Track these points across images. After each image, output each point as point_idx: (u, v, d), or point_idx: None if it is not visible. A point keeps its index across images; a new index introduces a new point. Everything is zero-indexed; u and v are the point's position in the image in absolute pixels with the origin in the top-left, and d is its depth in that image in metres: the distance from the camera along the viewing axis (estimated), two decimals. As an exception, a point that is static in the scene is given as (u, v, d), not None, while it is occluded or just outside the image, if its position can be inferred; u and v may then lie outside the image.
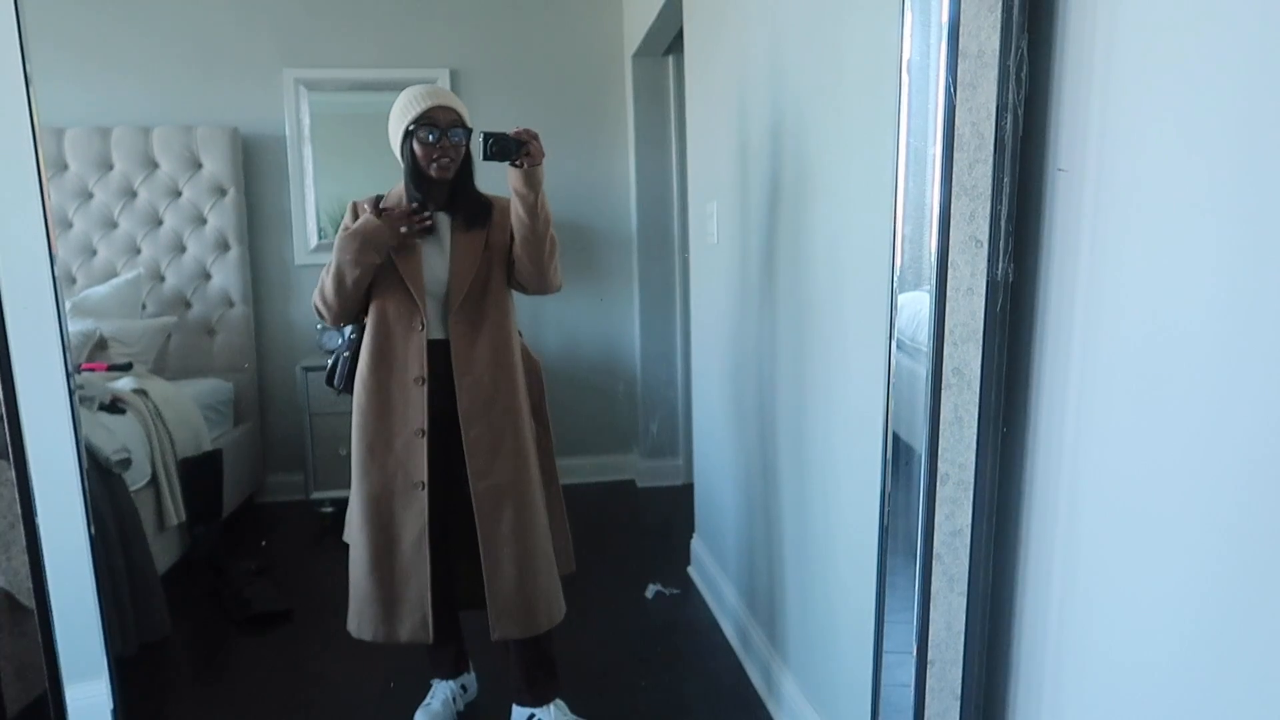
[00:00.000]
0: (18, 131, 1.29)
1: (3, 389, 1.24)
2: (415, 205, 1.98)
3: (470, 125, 2.02)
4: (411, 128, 1.96)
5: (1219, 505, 0.89)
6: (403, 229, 1.96)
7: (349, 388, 2.09)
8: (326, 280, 1.99)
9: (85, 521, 1.41)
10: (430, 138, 1.95)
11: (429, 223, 1.99)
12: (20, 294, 1.27)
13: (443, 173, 1.98)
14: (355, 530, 2.07)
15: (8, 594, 1.82)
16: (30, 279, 1.32)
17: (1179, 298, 0.93)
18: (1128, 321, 1.00)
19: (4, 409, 1.25)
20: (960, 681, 1.25)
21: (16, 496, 1.25)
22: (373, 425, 2.02)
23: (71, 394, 1.36)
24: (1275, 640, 0.83)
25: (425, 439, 1.99)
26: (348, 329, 2.11)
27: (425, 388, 1.99)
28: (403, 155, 2.00)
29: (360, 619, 2.06)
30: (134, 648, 2.50)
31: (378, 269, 2.00)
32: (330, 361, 2.12)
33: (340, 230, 2.03)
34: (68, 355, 1.35)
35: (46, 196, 1.31)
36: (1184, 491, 0.93)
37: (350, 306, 2.02)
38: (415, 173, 2.00)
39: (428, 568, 2.01)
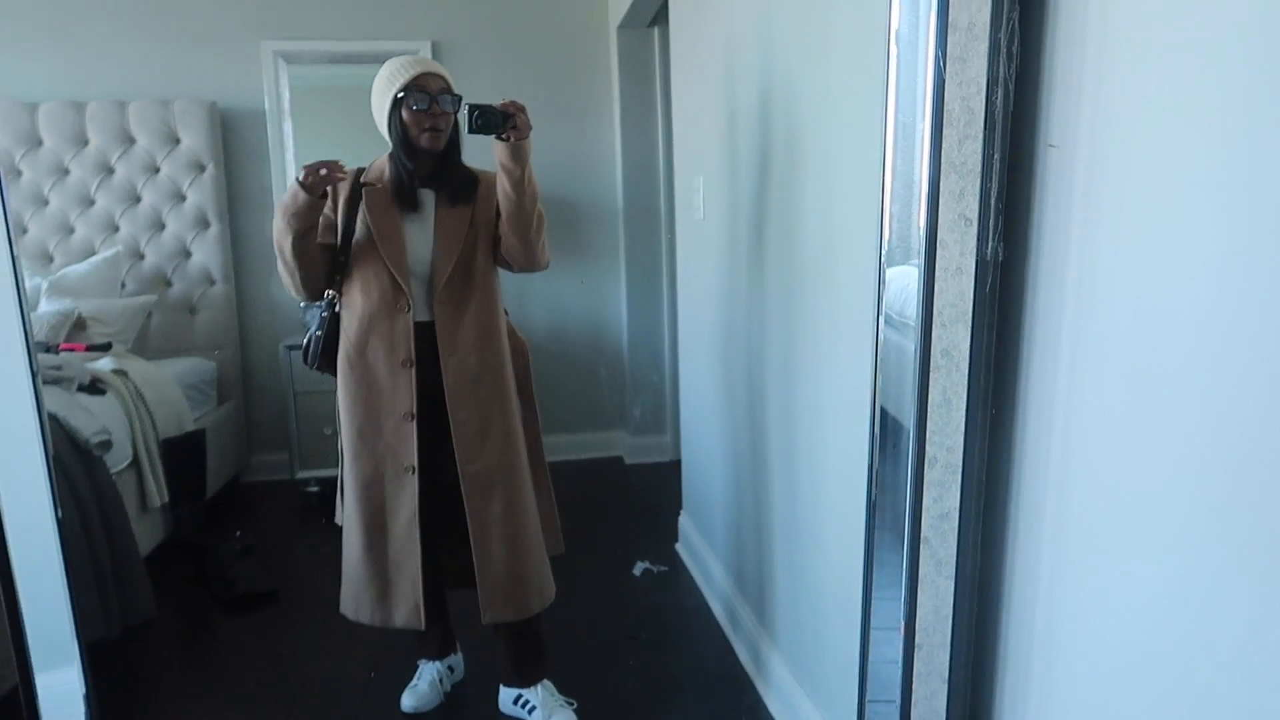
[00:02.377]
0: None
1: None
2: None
3: (459, 93, 1.97)
4: (400, 94, 1.91)
5: (1208, 487, 0.87)
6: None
7: (326, 367, 2.05)
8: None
9: (52, 504, 1.38)
10: (421, 105, 1.90)
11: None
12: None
13: (434, 143, 1.93)
14: (348, 515, 2.05)
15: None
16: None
17: (1171, 277, 0.91)
18: (1119, 302, 0.98)
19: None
20: (948, 665, 1.24)
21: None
22: (361, 409, 1.99)
23: (34, 374, 1.33)
24: (1260, 621, 0.82)
25: (415, 422, 1.97)
26: (320, 305, 2.05)
27: (413, 370, 1.96)
28: (390, 126, 1.95)
29: (357, 602, 2.04)
30: (118, 630, 2.48)
31: (359, 248, 1.97)
32: (305, 340, 2.08)
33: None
34: (29, 334, 1.31)
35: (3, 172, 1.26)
36: (1173, 474, 0.91)
37: (309, 278, 1.96)
38: (405, 143, 1.94)
39: (419, 553, 1.99)
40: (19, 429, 1.42)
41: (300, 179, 1.86)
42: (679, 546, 3.22)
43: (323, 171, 1.85)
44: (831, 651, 1.85)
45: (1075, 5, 1.04)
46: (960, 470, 1.17)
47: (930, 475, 1.17)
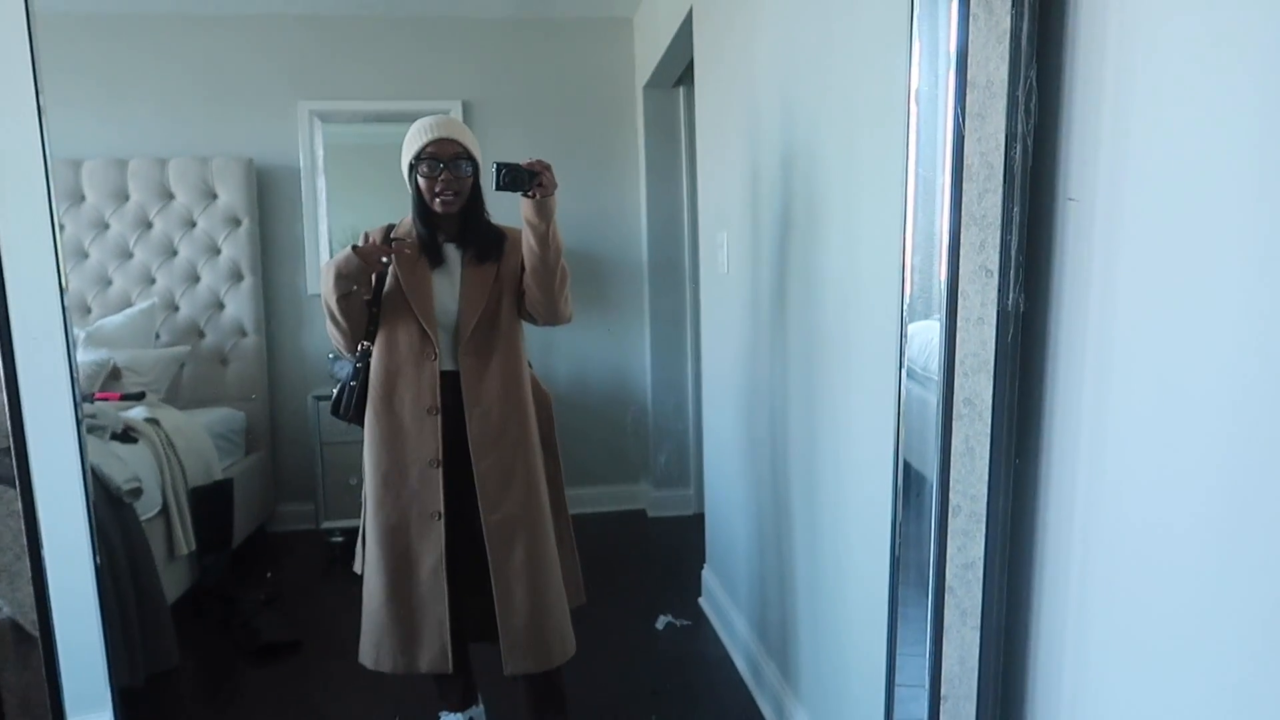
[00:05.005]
0: (31, 162, 1.31)
1: (10, 418, 1.24)
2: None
3: (478, 156, 2.03)
4: (414, 161, 1.97)
5: (1237, 537, 0.87)
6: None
7: (355, 418, 2.09)
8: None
9: (91, 551, 1.40)
10: (432, 172, 1.96)
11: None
12: (30, 324, 1.28)
13: (447, 207, 1.98)
14: (370, 561, 2.05)
15: (14, 625, 1.82)
16: (41, 309, 1.33)
17: (1193, 327, 0.92)
18: (1141, 351, 0.99)
19: (10, 438, 1.25)
20: (974, 718, 1.23)
21: (23, 526, 1.25)
22: (386, 456, 2.02)
23: (79, 423, 1.36)
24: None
25: (441, 469, 1.99)
26: (354, 357, 2.10)
27: (439, 418, 1.99)
28: (410, 188, 2.02)
29: (378, 650, 2.04)
30: (142, 678, 2.48)
31: (388, 299, 2.01)
32: (335, 391, 2.12)
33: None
34: (76, 384, 1.35)
35: (57, 227, 1.31)
36: (1202, 523, 0.91)
37: (355, 331, 2.02)
38: (420, 206, 2.01)
39: (446, 598, 2.00)
40: (61, 478, 1.45)
41: (358, 247, 1.96)
42: (702, 600, 3.20)
43: (385, 259, 1.97)
44: (857, 708, 1.83)
45: (1092, 62, 1.07)
46: (984, 519, 1.17)
47: (954, 524, 1.17)
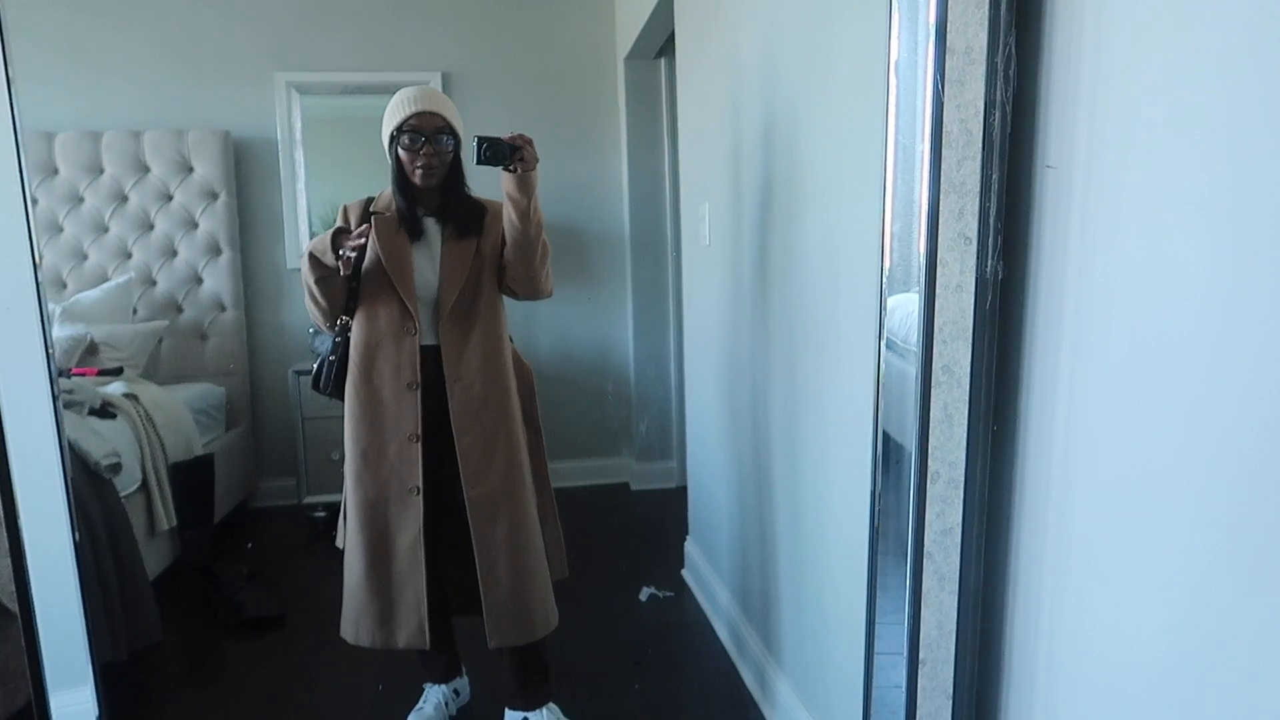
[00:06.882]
0: (1, 134, 1.29)
1: (-15, 392, 1.23)
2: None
3: (461, 130, 2.01)
4: (395, 133, 1.95)
5: (1209, 501, 0.88)
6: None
7: (335, 392, 2.08)
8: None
9: (70, 526, 1.40)
10: (413, 146, 1.94)
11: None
12: (3, 298, 1.27)
13: (427, 179, 1.97)
14: (350, 536, 2.05)
15: (-6, 600, 1.81)
16: (13, 282, 1.31)
17: (1169, 294, 0.92)
18: (1118, 318, 1.00)
19: (-14, 412, 1.24)
20: (952, 681, 1.24)
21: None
22: (366, 430, 2.01)
23: (56, 398, 1.35)
24: (1265, 635, 0.83)
25: (419, 444, 1.98)
26: (334, 332, 2.09)
27: (418, 392, 1.98)
28: (390, 159, 2.00)
29: (358, 625, 2.04)
30: (124, 654, 2.48)
31: (368, 274, 2.00)
32: (315, 365, 2.11)
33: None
34: (51, 359, 1.34)
35: (29, 199, 1.30)
36: (1174, 488, 0.93)
37: (334, 308, 2.02)
38: (400, 178, 1.99)
39: (424, 573, 2.00)
40: (38, 453, 1.44)
41: (336, 249, 1.92)
42: (685, 572, 3.22)
43: (352, 252, 1.90)
44: (837, 675, 1.85)
45: (1071, 28, 1.06)
46: (962, 485, 1.18)
47: (932, 491, 1.18)
